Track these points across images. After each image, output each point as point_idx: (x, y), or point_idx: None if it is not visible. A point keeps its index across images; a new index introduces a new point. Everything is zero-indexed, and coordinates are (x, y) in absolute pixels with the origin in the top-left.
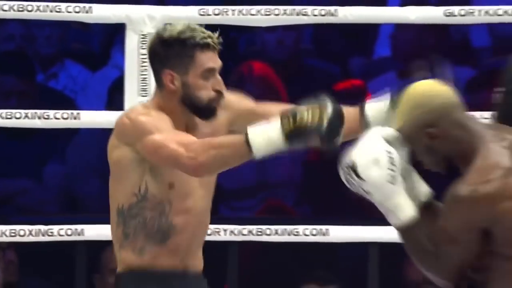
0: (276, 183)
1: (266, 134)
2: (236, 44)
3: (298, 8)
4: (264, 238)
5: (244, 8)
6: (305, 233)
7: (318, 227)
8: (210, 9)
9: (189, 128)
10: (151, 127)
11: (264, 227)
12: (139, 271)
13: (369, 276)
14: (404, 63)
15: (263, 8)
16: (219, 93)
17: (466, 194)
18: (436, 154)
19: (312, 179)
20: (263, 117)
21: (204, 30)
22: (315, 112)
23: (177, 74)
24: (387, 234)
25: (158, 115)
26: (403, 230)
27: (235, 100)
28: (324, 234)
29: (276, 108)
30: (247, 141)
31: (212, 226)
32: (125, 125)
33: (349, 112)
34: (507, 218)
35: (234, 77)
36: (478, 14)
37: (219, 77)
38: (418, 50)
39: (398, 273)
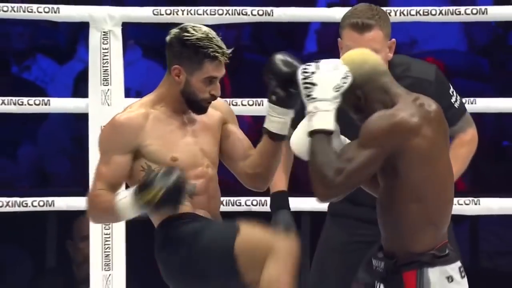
0: None
1: (128, 204)
2: None
3: (239, 8)
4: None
5: (192, 8)
6: (246, 203)
7: (258, 198)
8: (162, 9)
9: (187, 114)
10: (101, 151)
11: None
12: (179, 216)
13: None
14: (329, 55)
15: (208, 8)
16: (213, 97)
17: (391, 119)
18: (361, 113)
19: None
20: (232, 141)
21: (218, 42)
22: (160, 189)
23: (184, 71)
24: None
25: (119, 133)
26: (317, 134)
27: (229, 111)
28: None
29: (239, 134)
30: (118, 211)
31: None
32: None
33: (259, 146)
34: (415, 155)
35: None
36: (395, 14)
37: (218, 84)
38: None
39: None
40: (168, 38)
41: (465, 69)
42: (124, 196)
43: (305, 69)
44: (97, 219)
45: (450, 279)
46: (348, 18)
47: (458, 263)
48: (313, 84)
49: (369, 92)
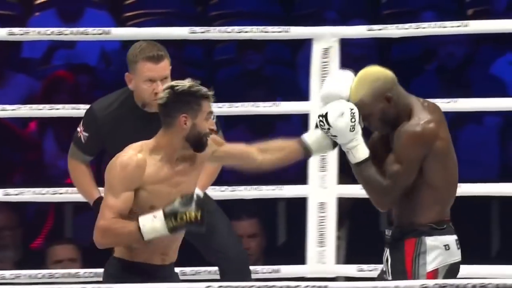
0: None
1: (154, 230)
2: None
3: (81, 29)
4: None
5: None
6: None
7: None
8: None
9: (179, 159)
10: (111, 186)
11: None
12: (126, 261)
13: None
14: None
15: (56, 29)
16: (212, 131)
17: (418, 130)
18: (386, 116)
19: None
20: (227, 156)
21: (201, 86)
22: (190, 214)
23: (190, 117)
24: None
25: (127, 172)
26: (358, 166)
27: (213, 139)
28: None
29: (235, 148)
30: (141, 234)
31: None
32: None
33: (289, 144)
34: (437, 155)
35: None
36: (213, 31)
37: (212, 120)
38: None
39: None
40: (160, 100)
41: None
42: (150, 221)
43: (321, 126)
44: (108, 243)
45: (447, 247)
46: (141, 54)
47: (455, 236)
48: (335, 136)
49: (395, 93)
